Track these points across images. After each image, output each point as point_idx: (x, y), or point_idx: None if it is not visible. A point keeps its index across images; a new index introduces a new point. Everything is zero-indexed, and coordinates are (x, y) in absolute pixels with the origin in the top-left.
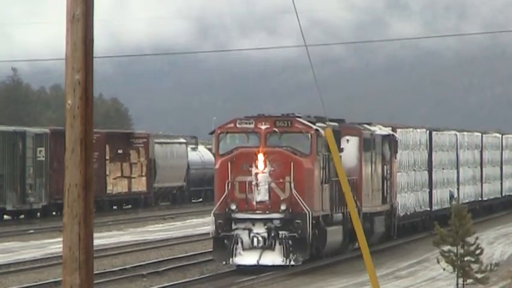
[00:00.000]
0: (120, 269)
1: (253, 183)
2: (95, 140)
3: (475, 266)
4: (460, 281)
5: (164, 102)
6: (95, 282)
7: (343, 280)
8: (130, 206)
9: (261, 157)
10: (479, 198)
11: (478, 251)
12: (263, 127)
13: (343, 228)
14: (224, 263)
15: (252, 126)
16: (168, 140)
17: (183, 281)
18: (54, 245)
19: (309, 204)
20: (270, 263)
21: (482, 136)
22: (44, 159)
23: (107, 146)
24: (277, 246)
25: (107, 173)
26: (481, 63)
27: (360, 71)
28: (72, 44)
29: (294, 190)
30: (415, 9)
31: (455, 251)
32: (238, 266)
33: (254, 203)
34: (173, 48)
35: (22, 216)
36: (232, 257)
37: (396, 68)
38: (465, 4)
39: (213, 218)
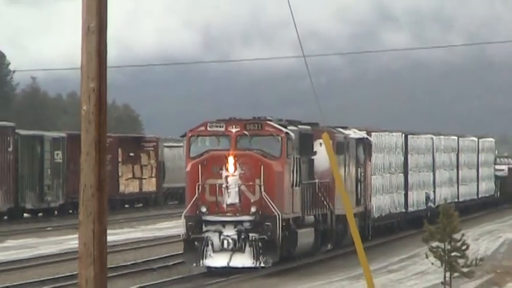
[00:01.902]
0: (131, 264)
1: (224, 186)
2: (108, 144)
3: (461, 261)
4: (447, 274)
5: (172, 108)
6: (108, 275)
7: (315, 281)
8: (141, 205)
9: (231, 160)
10: (456, 200)
11: (464, 247)
12: (233, 130)
13: (314, 230)
14: (194, 265)
15: (222, 129)
16: (176, 144)
17: (151, 283)
18: (70, 241)
19: (278, 206)
20: (240, 265)
21: (458, 139)
22: (61, 161)
23: (120, 149)
24: (247, 249)
25: (120, 174)
26: (469, 73)
27: (355, 80)
28: (87, 55)
29: (263, 193)
30: (405, 21)
31: (442, 246)
32: (209, 268)
33: (224, 205)
34: (181, 58)
35: (40, 214)
36: (202, 259)
37: (389, 77)
38: (452, 17)
39: (184, 221)
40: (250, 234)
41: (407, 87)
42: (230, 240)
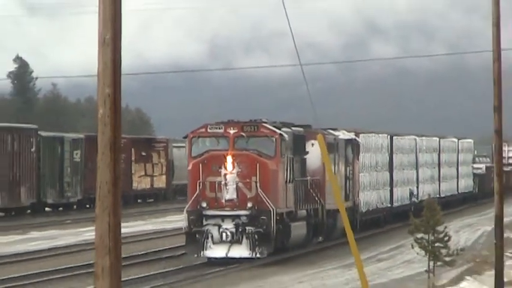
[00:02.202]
0: (143, 253)
1: (223, 183)
2: (122, 144)
3: (443, 251)
4: (431, 263)
5: (181, 112)
6: (122, 264)
7: (309, 270)
8: (152, 200)
9: (229, 159)
10: (437, 196)
11: (446, 238)
12: (231, 132)
13: (307, 224)
14: (196, 256)
15: (221, 131)
16: (184, 144)
17: (159, 271)
18: (87, 233)
19: (273, 201)
20: (237, 256)
21: (439, 140)
22: (79, 160)
23: (133, 149)
24: (244, 241)
25: (133, 172)
26: (451, 80)
27: (347, 86)
28: (103, 64)
29: (259, 189)
30: (392, 33)
31: (427, 238)
32: (209, 258)
33: (223, 201)
34: (188, 66)
35: (61, 208)
36: (203, 250)
37: (378, 84)
38: (435, 29)
39: (186, 215)
40: (247, 227)
41: (395, 93)
42: (228, 233)
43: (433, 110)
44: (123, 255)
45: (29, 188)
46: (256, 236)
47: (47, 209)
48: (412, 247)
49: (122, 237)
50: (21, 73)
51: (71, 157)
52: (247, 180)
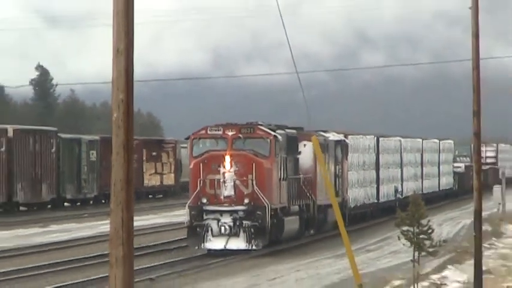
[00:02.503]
0: (153, 244)
1: (221, 180)
2: (134, 145)
3: (427, 242)
4: (416, 253)
5: (188, 116)
6: (134, 254)
7: (304, 260)
8: (161, 196)
9: (227, 159)
10: (420, 192)
11: (429, 231)
12: (230, 133)
13: (299, 218)
14: (196, 247)
15: (220, 132)
16: None
17: (157, 263)
18: (103, 226)
19: (268, 198)
20: (235, 248)
21: (422, 141)
22: (95, 159)
23: (144, 150)
24: (241, 234)
25: (144, 170)
26: (436, 88)
27: (340, 93)
28: (117, 72)
29: (255, 186)
30: (381, 43)
31: (412, 230)
32: (209, 250)
33: (222, 197)
34: (195, 74)
35: (78, 203)
36: (203, 242)
37: (368, 91)
38: (420, 40)
39: (188, 210)
40: (244, 222)
41: (384, 99)
42: (227, 227)
43: (419, 113)
44: (135, 246)
45: (50, 184)
46: (252, 230)
47: (65, 204)
48: (399, 239)
49: (134, 230)
50: (42, 80)
51: (88, 157)
52: (244, 178)
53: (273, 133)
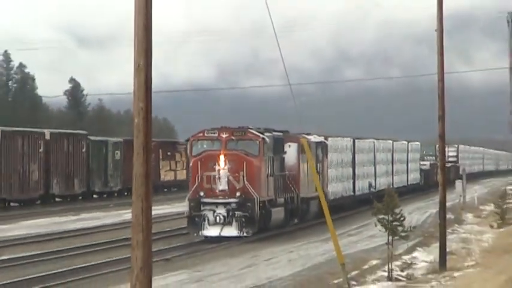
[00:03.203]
0: (168, 230)
1: (216, 176)
2: (152, 146)
3: (400, 228)
4: (390, 237)
5: (197, 121)
6: (152, 238)
7: (294, 243)
8: (176, 189)
9: (222, 158)
10: (391, 186)
11: (401, 218)
12: (224, 136)
13: (284, 209)
14: (195, 234)
15: (215, 135)
16: None
17: (170, 246)
18: (126, 214)
19: (257, 191)
20: (228, 235)
21: (393, 143)
22: (119, 158)
23: (160, 150)
24: (234, 223)
25: (160, 167)
26: (405, 96)
27: (325, 103)
28: (138, 84)
29: (246, 182)
30: (360, 60)
31: (387, 218)
32: (206, 237)
33: (217, 191)
34: (202, 86)
35: (105, 195)
36: (201, 230)
37: (349, 100)
38: (393, 56)
39: (187, 202)
40: (236, 212)
41: (362, 107)
42: (221, 217)
43: (391, 119)
44: (153, 232)
45: (81, 179)
46: (243, 219)
47: (94, 196)
48: (375, 225)
49: (152, 218)
50: (75, 91)
51: (113, 156)
52: (236, 174)
53: (261, 135)
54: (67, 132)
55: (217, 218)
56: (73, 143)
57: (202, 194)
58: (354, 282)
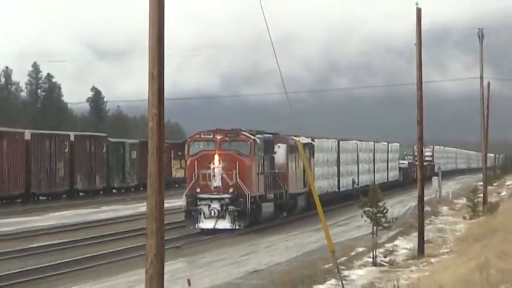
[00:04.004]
0: (179, 221)
1: (211, 174)
2: (165, 147)
3: (383, 219)
4: (375, 228)
5: (204, 125)
6: (165, 228)
7: (290, 233)
8: (185, 185)
9: (216, 157)
10: (373, 183)
11: (384, 211)
12: (218, 137)
13: (274, 204)
14: (192, 227)
15: (211, 136)
16: None
17: (180, 235)
18: (141, 207)
19: (248, 188)
20: (222, 227)
21: (374, 144)
22: (135, 157)
23: (172, 150)
24: (227, 216)
25: (172, 165)
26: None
27: (318, 109)
28: (151, 92)
29: (238, 179)
30: (348, 71)
31: (371, 210)
32: (202, 229)
33: (212, 187)
34: (208, 94)
35: (123, 190)
36: (197, 223)
37: (338, 106)
38: (377, 67)
39: (185, 198)
40: (229, 207)
41: (349, 113)
42: (216, 211)
43: (375, 122)
44: (165, 222)
45: (101, 176)
46: (235, 213)
47: (113, 190)
48: (362, 217)
49: (165, 210)
50: (96, 98)
51: (130, 155)
52: (229, 172)
53: (252, 137)
54: (89, 134)
55: (212, 212)
56: (95, 144)
57: (198, 190)
58: (342, 267)
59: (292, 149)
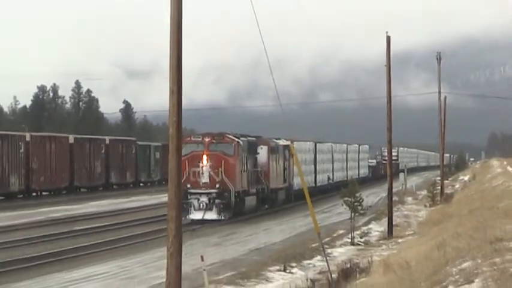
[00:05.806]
0: None
1: (200, 172)
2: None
3: (359, 207)
4: (353, 214)
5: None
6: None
7: (281, 219)
8: None
9: (205, 157)
10: (345, 179)
11: (361, 200)
12: (206, 140)
13: (256, 197)
14: (183, 218)
15: (200, 139)
16: None
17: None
18: (164, 198)
19: (232, 184)
20: (210, 218)
21: (347, 146)
22: (159, 157)
23: None
24: (214, 208)
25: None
26: (362, 113)
27: (305, 118)
28: (172, 105)
29: (224, 176)
30: (330, 86)
31: (350, 199)
32: (192, 220)
33: (201, 183)
34: (217, 105)
35: (149, 184)
36: (188, 214)
37: (322, 116)
38: (355, 83)
39: None
40: (216, 200)
41: (330, 121)
42: (204, 204)
43: (351, 129)
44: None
45: (131, 172)
46: (221, 206)
47: (141, 184)
48: (342, 205)
49: None
50: (127, 109)
51: (154, 156)
52: (216, 170)
53: (236, 139)
54: (121, 138)
55: (201, 204)
56: (126, 147)
57: (189, 185)
58: (326, 246)
59: (273, 150)
